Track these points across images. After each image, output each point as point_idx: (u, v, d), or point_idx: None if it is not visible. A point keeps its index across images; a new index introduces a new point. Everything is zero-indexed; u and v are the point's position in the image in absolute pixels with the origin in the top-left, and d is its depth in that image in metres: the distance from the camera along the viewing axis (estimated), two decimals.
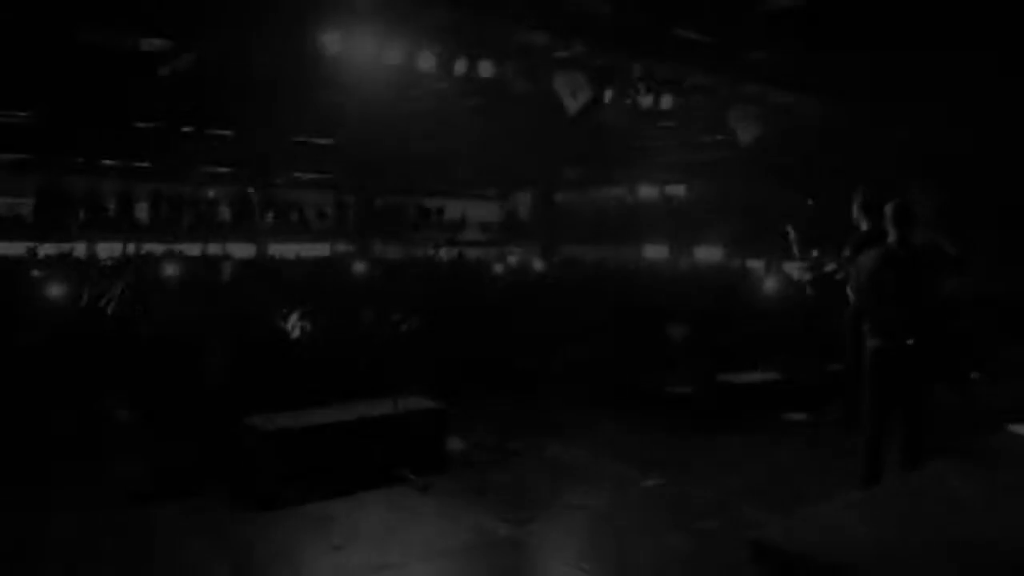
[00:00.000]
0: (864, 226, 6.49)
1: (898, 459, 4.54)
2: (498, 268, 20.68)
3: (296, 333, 6.29)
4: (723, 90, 11.07)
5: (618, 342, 8.27)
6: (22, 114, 14.51)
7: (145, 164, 22.65)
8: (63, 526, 4.09)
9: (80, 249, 24.51)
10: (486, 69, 9.26)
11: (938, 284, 4.52)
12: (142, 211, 26.30)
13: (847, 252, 6.50)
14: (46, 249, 22.81)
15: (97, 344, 6.88)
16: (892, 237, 4.65)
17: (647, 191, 31.27)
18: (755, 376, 7.69)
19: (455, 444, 5.71)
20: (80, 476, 4.90)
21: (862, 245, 6.23)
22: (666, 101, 10.88)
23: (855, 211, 6.52)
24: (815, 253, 7.32)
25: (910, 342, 4.46)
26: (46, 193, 24.28)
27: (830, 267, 6.93)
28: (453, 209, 31.62)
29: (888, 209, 4.69)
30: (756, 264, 26.65)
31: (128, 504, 4.44)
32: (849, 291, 5.07)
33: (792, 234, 7.51)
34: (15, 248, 22.83)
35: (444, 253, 17.83)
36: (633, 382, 7.20)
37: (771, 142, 12.42)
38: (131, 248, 25.46)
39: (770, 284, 17.03)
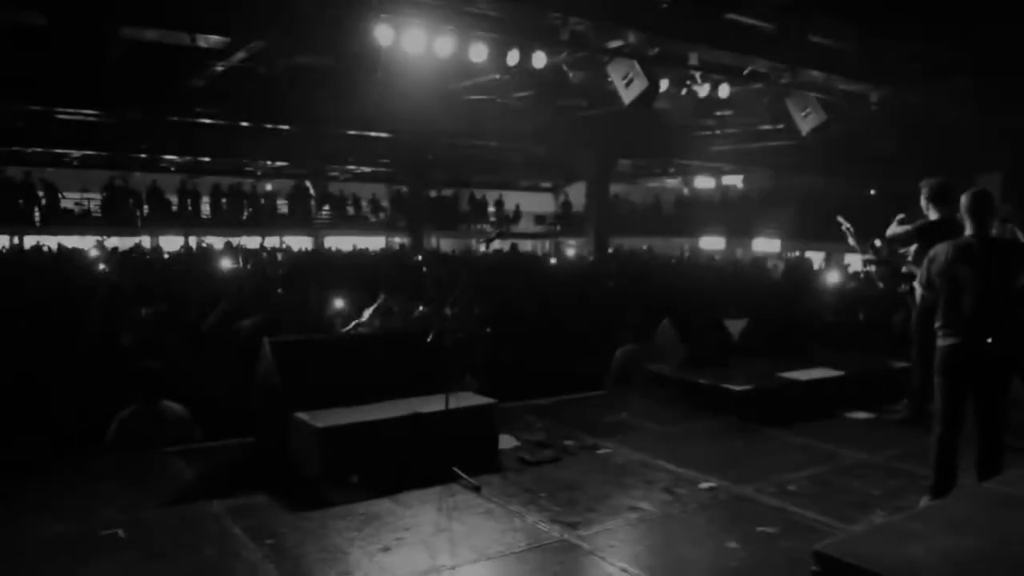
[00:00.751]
0: (933, 216, 6.22)
1: (973, 466, 4.31)
2: (552, 260, 20.61)
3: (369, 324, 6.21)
4: (782, 77, 10.76)
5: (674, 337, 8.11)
6: (90, 113, 14.82)
7: (205, 159, 23.12)
8: (107, 522, 4.10)
9: (145, 241, 25.28)
10: (539, 60, 9.16)
11: (1018, 279, 4.27)
12: (203, 204, 26.94)
13: (913, 241, 6.24)
14: (112, 241, 23.58)
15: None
16: (969, 229, 4.41)
17: (703, 182, 30.84)
18: (816, 372, 7.45)
19: (508, 442, 5.65)
20: (127, 470, 4.93)
21: (932, 236, 5.96)
22: (723, 90, 10.63)
23: (923, 200, 6.24)
24: (877, 243, 7.03)
25: (988, 340, 4.22)
26: (112, 188, 25.04)
27: (889, 254, 6.64)
28: (507, 201, 31.62)
29: (965, 199, 4.44)
30: (816, 255, 26.17)
31: (174, 501, 4.45)
32: (917, 285, 4.83)
33: (846, 225, 7.22)
34: (85, 241, 23.64)
35: (492, 246, 17.72)
36: (688, 379, 7.01)
37: (832, 131, 12.04)
38: (192, 240, 26.18)
39: (831, 276, 16.64)
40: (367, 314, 8.15)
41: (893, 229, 6.27)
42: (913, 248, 6.35)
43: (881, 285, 7.09)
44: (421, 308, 8.86)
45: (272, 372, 5.18)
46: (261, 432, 5.39)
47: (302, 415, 4.86)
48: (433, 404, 5.04)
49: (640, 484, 4.91)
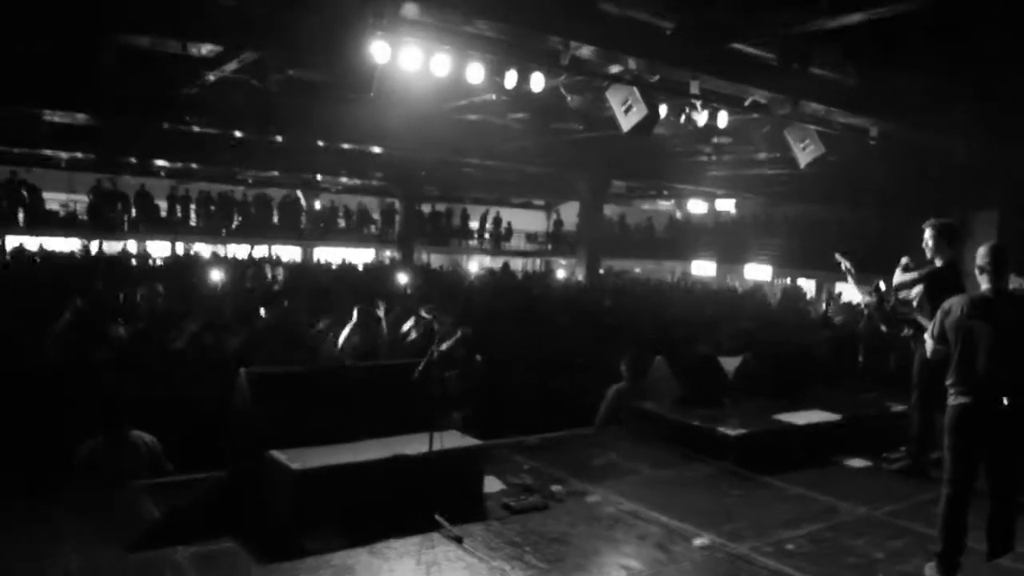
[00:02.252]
0: (937, 258, 6.03)
1: (985, 538, 4.10)
2: (542, 283, 20.40)
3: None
4: (783, 108, 10.60)
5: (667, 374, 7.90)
6: (80, 115, 14.53)
7: (195, 165, 22.81)
8: (62, 569, 3.83)
9: (131, 246, 24.94)
10: (537, 82, 8.96)
11: None
12: (191, 211, 26.63)
13: (919, 287, 6.04)
14: (96, 246, 23.25)
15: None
16: (986, 283, 4.22)
17: (696, 205, 30.73)
18: (813, 416, 7.23)
19: (493, 484, 5.40)
20: (90, 506, 4.65)
21: (939, 282, 5.77)
22: (722, 118, 10.46)
23: (929, 240, 6.03)
24: (881, 285, 6.82)
25: (1005, 402, 4.01)
26: (100, 192, 24.69)
27: (896, 301, 6.43)
28: (500, 217, 31.43)
29: (982, 252, 4.24)
30: (807, 283, 26.08)
31: (136, 545, 4.17)
32: (928, 337, 4.62)
33: (845, 264, 7.03)
34: (70, 244, 23.30)
35: (483, 267, 17.56)
36: (682, 421, 6.78)
37: (830, 162, 11.90)
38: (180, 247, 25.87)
39: (824, 309, 16.49)
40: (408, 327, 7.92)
41: (899, 277, 6.08)
42: (916, 291, 6.16)
43: (884, 329, 6.87)
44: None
45: (247, 405, 4.93)
46: (233, 467, 5.13)
47: (277, 454, 4.59)
48: (416, 444, 4.79)
49: (631, 539, 4.67)
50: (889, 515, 5.32)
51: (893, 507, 5.46)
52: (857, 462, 6.63)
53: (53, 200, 25.08)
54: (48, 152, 20.63)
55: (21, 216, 23.15)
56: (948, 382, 4.30)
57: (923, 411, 6.20)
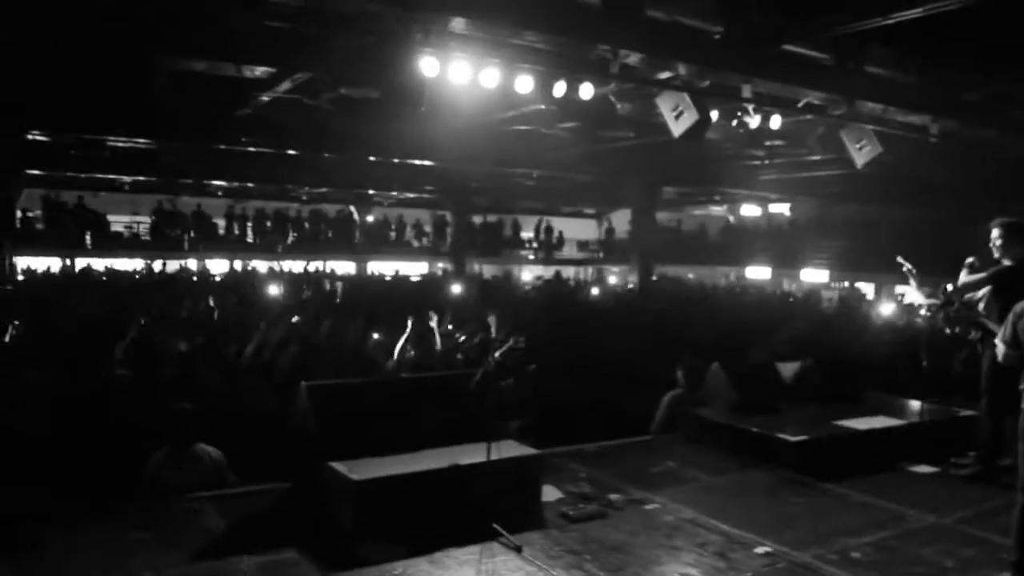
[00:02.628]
0: (1006, 258, 5.87)
1: None
2: (595, 291, 20.33)
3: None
4: (838, 109, 10.44)
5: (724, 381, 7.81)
6: (141, 140, 15.02)
7: (250, 184, 23.36)
8: None
9: (191, 264, 25.66)
10: (586, 91, 8.98)
11: None
12: (247, 228, 27.28)
13: (986, 288, 5.87)
14: (159, 265, 23.96)
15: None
16: None
17: (749, 210, 30.32)
18: (875, 421, 7.05)
19: (551, 494, 5.39)
20: (158, 519, 4.77)
21: (1007, 282, 5.62)
22: (775, 121, 10.34)
23: (995, 240, 5.88)
24: (948, 287, 6.60)
25: None
26: (161, 213, 25.48)
27: (961, 302, 6.24)
28: (552, 227, 31.45)
29: None
30: (866, 286, 25.47)
31: (203, 555, 4.27)
32: (999, 341, 4.49)
33: (907, 267, 6.86)
34: (134, 263, 24.08)
35: (535, 276, 17.57)
36: (740, 427, 6.69)
37: (887, 162, 11.66)
38: (238, 263, 26.48)
39: (885, 310, 16.10)
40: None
41: (964, 277, 5.92)
42: (983, 292, 5.99)
43: (948, 331, 6.68)
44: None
45: (308, 418, 5.02)
46: (295, 478, 5.22)
47: (337, 465, 4.66)
48: (474, 454, 4.81)
49: (691, 547, 4.62)
50: (959, 523, 5.16)
51: (963, 514, 5.29)
52: (924, 468, 6.44)
53: (117, 222, 25.94)
54: (112, 176, 21.38)
55: (88, 238, 24.00)
56: (1022, 386, 4.17)
57: (993, 416, 6.02)
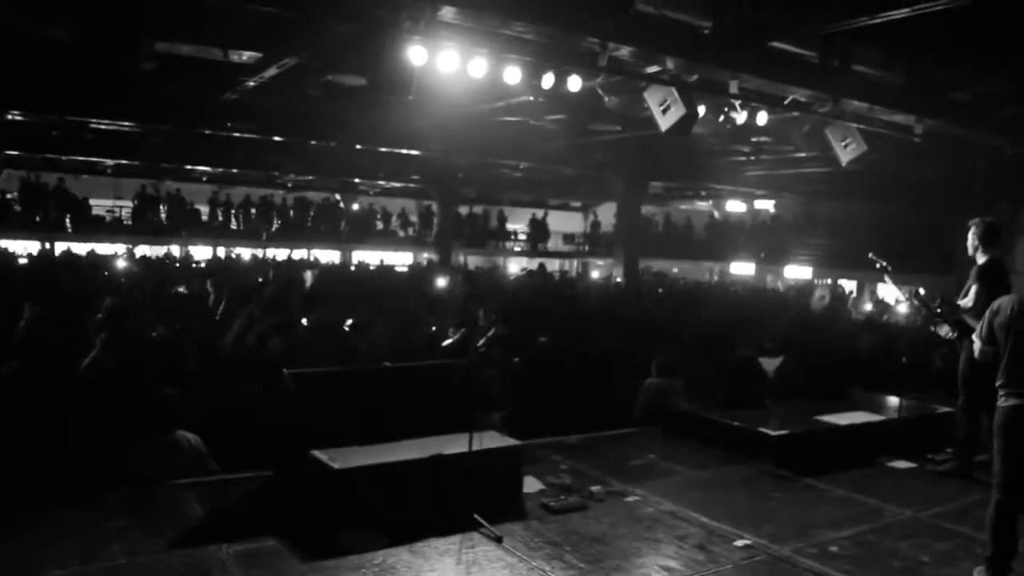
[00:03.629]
0: (980, 257, 5.95)
1: None
2: (579, 284, 20.36)
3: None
4: (824, 107, 10.47)
5: (704, 372, 7.87)
6: (124, 123, 14.85)
7: (235, 170, 23.19)
8: (110, 567, 3.92)
9: (174, 250, 25.46)
10: (574, 83, 8.97)
11: None
12: (232, 215, 27.10)
13: (975, 286, 5.90)
14: (141, 250, 23.76)
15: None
16: None
17: (734, 205, 30.43)
18: (856, 417, 7.12)
19: (532, 485, 5.40)
20: (137, 506, 4.74)
21: (990, 281, 5.67)
22: (761, 117, 10.36)
23: (972, 240, 5.97)
24: (921, 290, 6.62)
25: None
26: (143, 197, 25.25)
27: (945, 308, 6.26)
28: (537, 219, 31.44)
29: None
30: (847, 283, 25.65)
31: (182, 543, 4.25)
32: (976, 338, 4.53)
33: (880, 263, 6.87)
34: (115, 248, 23.86)
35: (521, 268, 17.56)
36: (721, 421, 6.72)
37: (871, 160, 11.72)
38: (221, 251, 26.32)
39: (865, 310, 16.24)
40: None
41: (965, 302, 5.89)
42: (973, 291, 6.01)
43: (933, 329, 6.69)
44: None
45: (290, 406, 4.99)
46: (276, 467, 5.20)
47: (319, 454, 4.65)
48: (456, 444, 4.82)
49: (671, 539, 4.64)
50: (935, 517, 5.23)
51: (939, 509, 5.36)
52: (901, 464, 6.52)
53: (99, 206, 25.68)
54: (95, 159, 21.15)
55: (68, 221, 23.75)
56: (998, 383, 4.22)
57: (970, 412, 6.10)
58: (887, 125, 11.35)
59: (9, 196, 23.14)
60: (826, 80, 9.63)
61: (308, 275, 12.63)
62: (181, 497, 4.90)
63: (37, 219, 23.07)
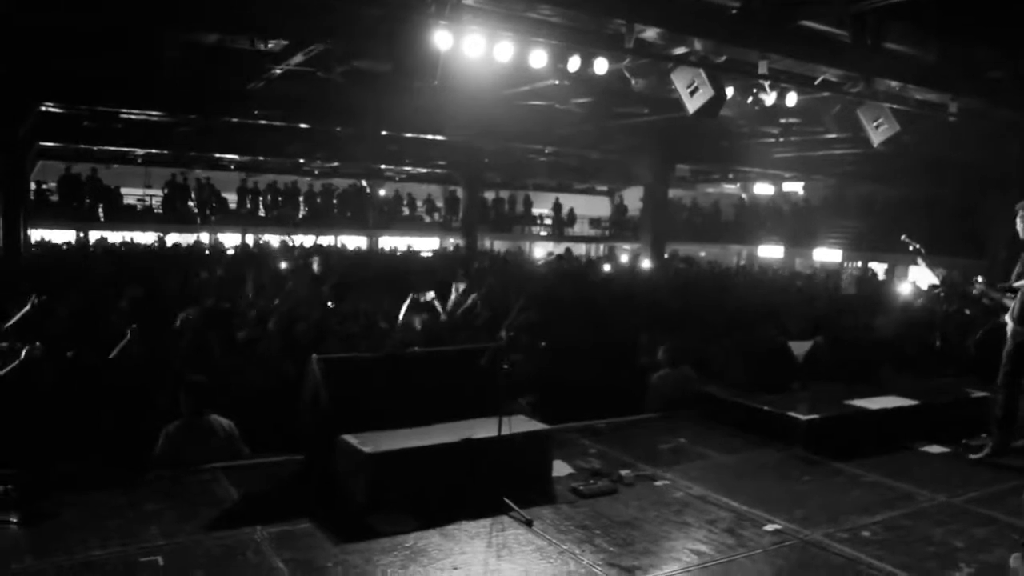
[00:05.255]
0: None
1: None
2: (607, 267, 20.29)
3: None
4: (855, 86, 10.29)
5: (734, 358, 7.79)
6: (154, 113, 15.01)
7: (262, 158, 23.34)
8: (147, 548, 4.00)
9: (204, 238, 25.71)
10: (601, 66, 8.89)
11: None
12: (260, 202, 27.29)
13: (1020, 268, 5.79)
14: (172, 238, 24.04)
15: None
16: None
17: (762, 188, 30.11)
18: (887, 401, 7.03)
19: (561, 469, 5.42)
20: (171, 490, 4.82)
21: None
22: (791, 98, 10.21)
23: (1020, 221, 5.81)
24: (980, 278, 6.46)
25: None
26: (173, 185, 25.50)
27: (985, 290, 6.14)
28: (562, 203, 31.35)
29: None
30: (878, 266, 25.31)
31: (217, 525, 4.32)
32: (1008, 319, 4.46)
33: (914, 245, 6.75)
34: (147, 237, 24.18)
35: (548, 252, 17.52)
36: (751, 405, 6.68)
37: (904, 140, 11.50)
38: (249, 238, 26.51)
39: (898, 293, 15.99)
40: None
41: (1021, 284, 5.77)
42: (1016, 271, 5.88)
43: (968, 312, 6.59)
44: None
45: (320, 390, 5.04)
46: (308, 450, 5.26)
47: (350, 438, 4.70)
48: (485, 428, 4.84)
49: (701, 523, 4.64)
50: (970, 503, 5.16)
51: (974, 494, 5.29)
52: (935, 448, 6.44)
53: (130, 195, 26.01)
54: (125, 149, 21.39)
55: (101, 211, 24.08)
56: None
57: (1007, 398, 6.00)
58: (920, 104, 11.13)
59: (45, 187, 23.48)
60: (858, 59, 9.44)
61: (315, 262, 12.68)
62: (215, 481, 4.98)
63: (73, 207, 23.40)
